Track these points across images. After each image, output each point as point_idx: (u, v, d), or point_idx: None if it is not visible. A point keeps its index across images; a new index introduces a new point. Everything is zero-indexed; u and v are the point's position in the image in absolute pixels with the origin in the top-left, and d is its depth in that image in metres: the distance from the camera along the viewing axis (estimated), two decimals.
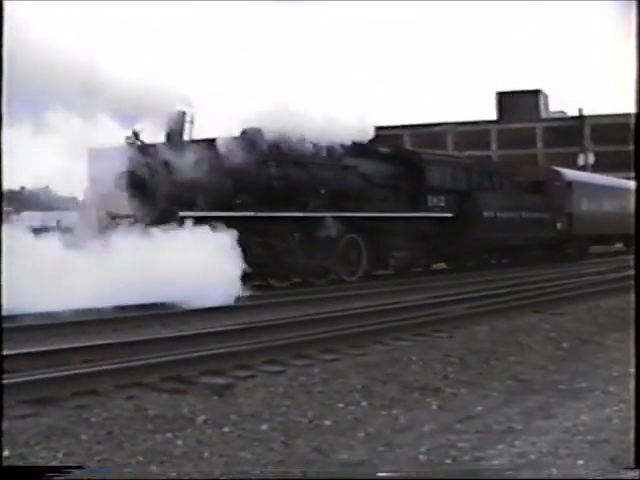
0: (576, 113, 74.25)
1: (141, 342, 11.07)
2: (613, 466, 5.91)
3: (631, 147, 5.75)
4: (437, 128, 76.06)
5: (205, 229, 16.72)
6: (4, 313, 11.80)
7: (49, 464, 5.87)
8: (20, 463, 5.89)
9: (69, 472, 5.52)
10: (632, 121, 5.58)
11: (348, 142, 23.10)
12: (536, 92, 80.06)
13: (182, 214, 17.56)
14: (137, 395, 8.17)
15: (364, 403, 8.01)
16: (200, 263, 15.38)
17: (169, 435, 6.67)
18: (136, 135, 18.79)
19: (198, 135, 19.91)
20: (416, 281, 22.76)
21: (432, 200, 26.10)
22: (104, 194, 18.89)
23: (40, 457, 6.01)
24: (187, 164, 18.61)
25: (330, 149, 23.10)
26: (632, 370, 5.68)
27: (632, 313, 5.57)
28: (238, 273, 16.49)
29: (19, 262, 13.26)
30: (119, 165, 18.59)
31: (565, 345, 11.60)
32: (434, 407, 7.98)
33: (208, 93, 18.67)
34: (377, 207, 23.82)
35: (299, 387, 8.60)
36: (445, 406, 8.03)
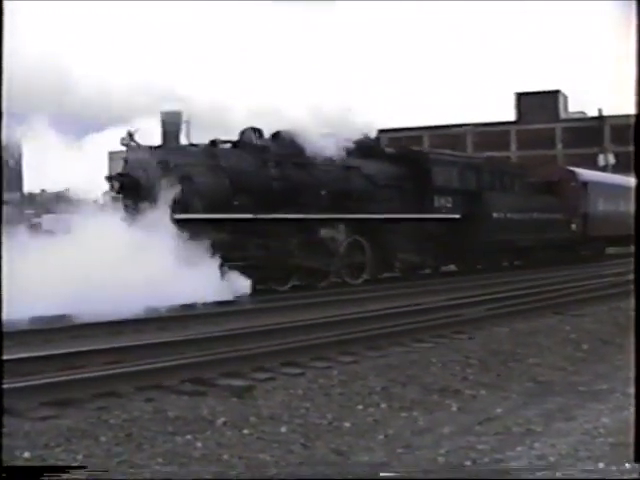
0: (596, 113, 73.96)
1: (161, 344, 11.09)
2: (613, 463, 5.91)
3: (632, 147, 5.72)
4: (456, 129, 75.89)
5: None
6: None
7: (47, 464, 5.90)
8: (20, 463, 5.92)
9: (69, 472, 5.53)
10: (633, 121, 5.56)
11: (351, 143, 22.83)
12: (555, 92, 79.73)
13: (177, 217, 17.22)
14: (157, 397, 8.18)
15: (383, 405, 8.01)
16: None
17: (189, 437, 6.68)
18: (131, 136, 18.47)
19: (196, 136, 19.95)
20: (426, 283, 22.63)
21: (439, 201, 25.60)
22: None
23: (60, 459, 6.03)
24: (183, 165, 18.49)
25: (333, 149, 22.71)
26: (632, 370, 5.66)
27: (633, 314, 5.54)
28: None
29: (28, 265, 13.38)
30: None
31: (585, 346, 11.56)
32: (453, 409, 7.97)
33: (207, 93, 18.64)
34: (382, 208, 23.30)
35: (318, 389, 8.60)
36: (464, 408, 8.02)
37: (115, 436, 6.65)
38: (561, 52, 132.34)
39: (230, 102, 19.10)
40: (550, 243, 31.51)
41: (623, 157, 62.68)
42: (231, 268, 17.46)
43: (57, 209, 17.88)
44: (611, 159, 63.64)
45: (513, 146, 77.42)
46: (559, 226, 32.06)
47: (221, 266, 16.97)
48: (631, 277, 5.60)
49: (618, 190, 37.26)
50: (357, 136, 22.83)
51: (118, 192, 18.60)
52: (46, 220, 23.79)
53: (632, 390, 5.58)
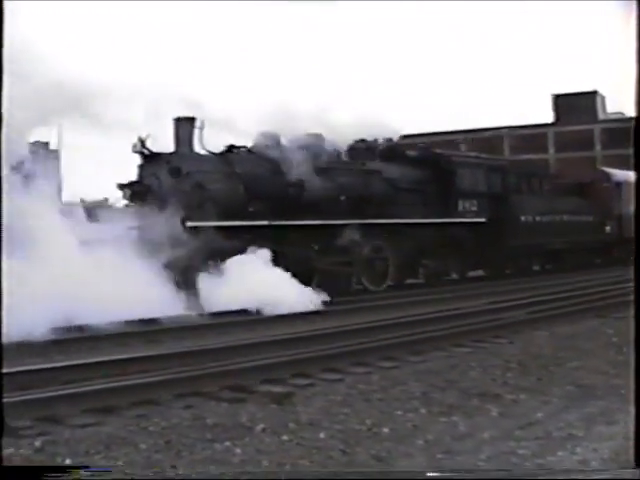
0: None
1: (200, 352, 11.11)
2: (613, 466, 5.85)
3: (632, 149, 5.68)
4: (493, 132, 75.51)
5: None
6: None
7: (47, 464, 5.93)
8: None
9: (69, 472, 5.54)
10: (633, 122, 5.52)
11: (373, 146, 22.67)
12: (593, 93, 79.08)
13: (190, 224, 16.99)
14: (196, 404, 8.21)
15: (423, 410, 7.97)
16: None
17: (228, 444, 6.68)
18: (142, 143, 18.15)
19: (210, 142, 19.36)
20: (458, 289, 22.10)
21: (463, 205, 25.06)
22: None
23: (100, 465, 6.06)
24: (196, 172, 18.26)
25: (352, 154, 22.59)
26: (632, 370, 5.61)
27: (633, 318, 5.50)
28: None
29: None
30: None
31: (627, 350, 11.43)
32: (494, 414, 7.91)
33: (220, 97, 18.48)
34: (404, 213, 22.78)
35: (358, 395, 8.59)
36: (505, 412, 7.95)
37: (154, 443, 6.67)
38: (598, 51, 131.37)
39: (245, 106, 18.90)
40: (583, 246, 30.97)
41: None
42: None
43: (96, 218, 17.76)
44: None
45: (551, 149, 76.84)
46: (592, 228, 31.50)
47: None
48: None
49: None
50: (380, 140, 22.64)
51: (130, 200, 18.46)
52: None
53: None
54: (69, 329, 13.26)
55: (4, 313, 10.66)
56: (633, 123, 5.49)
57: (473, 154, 30.49)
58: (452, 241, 24.11)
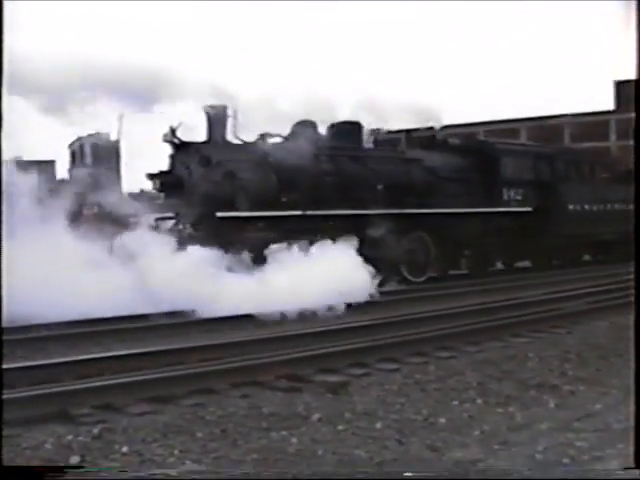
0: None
1: (256, 341, 11.16)
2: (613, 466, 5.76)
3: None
4: (554, 120, 74.69)
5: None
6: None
7: (47, 464, 5.98)
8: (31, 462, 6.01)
9: (69, 472, 5.57)
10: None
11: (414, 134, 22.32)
12: None
13: (220, 214, 16.92)
14: (252, 393, 8.25)
15: (479, 400, 7.93)
16: None
17: (284, 433, 6.72)
18: (173, 132, 17.84)
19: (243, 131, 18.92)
20: (508, 279, 21.54)
21: (508, 193, 24.31)
22: None
23: (156, 454, 6.13)
24: (227, 161, 17.93)
25: (393, 142, 22.22)
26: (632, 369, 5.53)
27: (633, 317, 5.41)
28: None
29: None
30: None
31: None
32: (551, 405, 7.84)
33: (255, 85, 18.23)
34: (446, 202, 22.12)
35: (414, 385, 8.58)
36: (563, 404, 7.88)
37: (210, 432, 6.73)
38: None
39: (283, 93, 18.61)
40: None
41: None
42: None
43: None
44: None
45: (612, 136, 75.83)
46: None
47: None
48: None
49: None
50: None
51: (160, 190, 18.32)
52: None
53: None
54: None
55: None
56: (633, 121, 5.42)
57: (518, 141, 29.60)
58: (496, 231, 23.42)
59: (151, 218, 17.07)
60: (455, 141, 24.87)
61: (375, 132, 22.37)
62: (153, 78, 15.62)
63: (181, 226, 16.99)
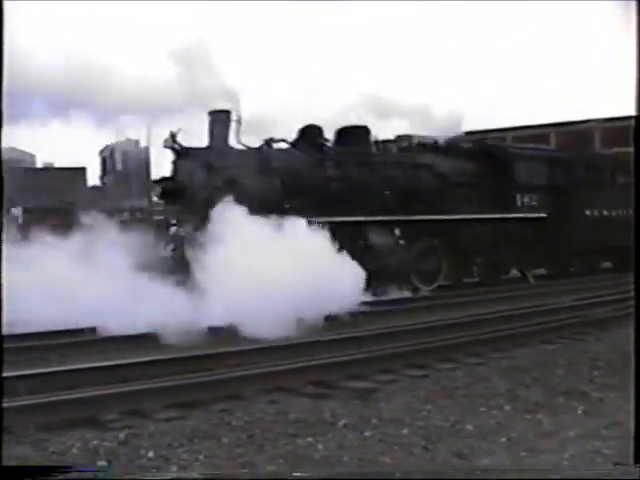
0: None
1: (283, 347, 11.17)
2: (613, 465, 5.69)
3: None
4: (583, 125, 74.29)
5: None
6: None
7: (46, 464, 6.00)
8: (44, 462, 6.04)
9: (68, 472, 5.59)
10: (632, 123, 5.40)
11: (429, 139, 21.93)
12: None
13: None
14: (279, 399, 8.26)
15: (507, 407, 7.89)
16: None
17: (310, 439, 6.71)
18: (173, 137, 17.40)
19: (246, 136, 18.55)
20: (527, 287, 21.38)
21: (522, 199, 23.71)
22: None
23: (182, 459, 6.15)
24: (229, 167, 17.54)
25: (403, 147, 21.81)
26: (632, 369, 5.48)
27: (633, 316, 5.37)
28: None
29: None
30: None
31: None
32: (579, 412, 7.79)
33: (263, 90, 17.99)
34: (457, 208, 21.57)
35: (441, 391, 8.56)
36: (591, 411, 7.83)
37: (237, 437, 6.74)
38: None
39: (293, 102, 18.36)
40: None
41: None
42: None
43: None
44: None
45: None
46: None
47: None
48: None
49: None
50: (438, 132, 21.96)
51: (161, 197, 18.20)
52: None
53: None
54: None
55: None
56: (633, 124, 5.38)
57: (532, 146, 28.94)
58: (509, 238, 22.83)
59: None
60: (467, 145, 24.31)
61: (404, 138, 22.23)
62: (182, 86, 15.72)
63: (182, 232, 16.76)
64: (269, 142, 18.96)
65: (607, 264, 28.01)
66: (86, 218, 15.77)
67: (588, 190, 25.88)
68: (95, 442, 6.59)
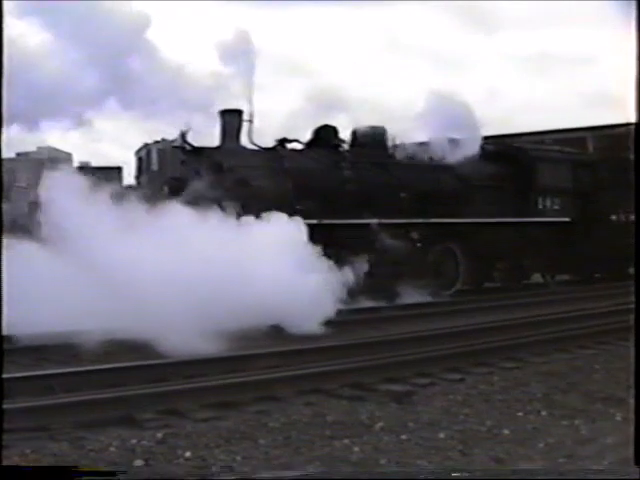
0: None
1: (322, 349, 11.17)
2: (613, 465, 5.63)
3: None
4: (621, 129, 73.61)
5: None
6: None
7: (46, 464, 6.03)
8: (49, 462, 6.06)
9: (68, 472, 5.60)
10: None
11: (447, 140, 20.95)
12: None
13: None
14: (316, 401, 8.27)
15: (544, 412, 7.85)
16: None
17: (346, 441, 6.71)
18: (183, 136, 17.04)
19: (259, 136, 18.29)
20: (544, 293, 21.19)
21: (543, 202, 23.16)
22: None
23: (219, 459, 6.17)
24: (239, 167, 17.20)
25: (421, 148, 20.88)
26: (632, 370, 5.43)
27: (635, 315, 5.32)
28: None
29: None
30: None
31: None
32: (618, 418, 7.72)
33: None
34: (477, 211, 21.02)
35: (478, 395, 8.53)
36: (629, 418, 7.76)
37: (274, 439, 6.75)
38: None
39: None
40: None
41: None
42: None
43: None
44: None
45: None
46: None
47: None
48: None
49: None
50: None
51: (168, 197, 17.17)
52: None
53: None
54: None
55: None
56: (634, 127, 5.33)
57: (555, 147, 28.35)
58: (531, 242, 22.22)
59: None
60: (488, 147, 23.18)
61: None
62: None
63: None
64: (282, 142, 18.70)
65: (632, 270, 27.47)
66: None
67: (614, 193, 24.72)
68: (133, 441, 6.62)
